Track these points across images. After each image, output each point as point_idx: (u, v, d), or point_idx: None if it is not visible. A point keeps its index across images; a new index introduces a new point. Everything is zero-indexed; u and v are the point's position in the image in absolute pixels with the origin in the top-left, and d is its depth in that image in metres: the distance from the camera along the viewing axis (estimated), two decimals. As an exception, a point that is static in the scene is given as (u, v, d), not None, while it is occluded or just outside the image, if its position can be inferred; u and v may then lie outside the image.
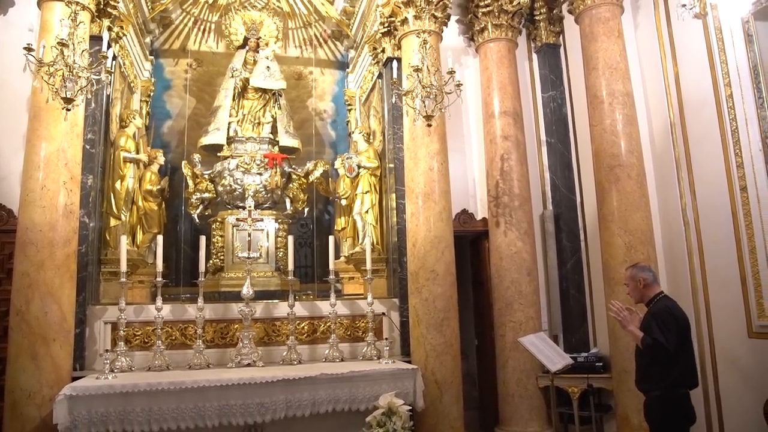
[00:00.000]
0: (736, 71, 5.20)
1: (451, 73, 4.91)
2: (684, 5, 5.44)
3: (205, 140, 7.06)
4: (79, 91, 4.11)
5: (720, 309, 5.41)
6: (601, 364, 6.05)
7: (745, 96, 5.11)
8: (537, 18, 7.21)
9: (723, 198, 5.31)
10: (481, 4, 6.70)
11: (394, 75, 5.19)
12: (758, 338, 4.99)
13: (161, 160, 6.80)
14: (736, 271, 5.18)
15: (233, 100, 7.10)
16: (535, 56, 7.43)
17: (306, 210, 7.26)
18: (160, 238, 5.79)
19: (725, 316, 5.34)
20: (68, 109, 4.14)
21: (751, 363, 5.08)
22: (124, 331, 5.30)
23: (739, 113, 5.17)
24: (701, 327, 5.57)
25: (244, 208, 6.13)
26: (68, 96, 4.04)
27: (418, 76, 4.88)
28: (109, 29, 5.76)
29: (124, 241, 5.53)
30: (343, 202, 6.95)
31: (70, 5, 4.47)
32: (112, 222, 6.03)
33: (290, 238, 6.11)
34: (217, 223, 6.77)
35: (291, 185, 7.13)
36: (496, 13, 6.71)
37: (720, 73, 5.36)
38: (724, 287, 5.32)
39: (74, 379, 4.88)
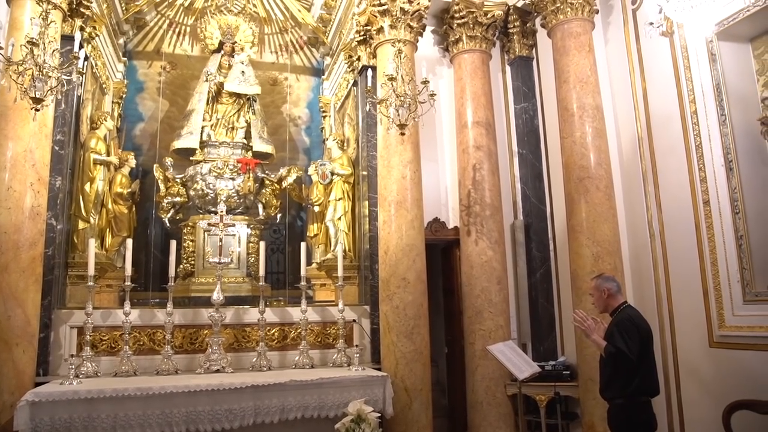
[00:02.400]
0: (700, 88, 5.37)
1: (425, 82, 4.96)
2: (651, 23, 5.60)
3: (178, 144, 7.01)
4: (49, 92, 4.04)
5: (683, 319, 5.55)
6: (568, 372, 6.13)
7: (709, 113, 5.28)
8: (511, 31, 7.32)
9: (687, 211, 5.46)
10: (456, 15, 6.80)
11: (369, 83, 5.21)
12: (719, 348, 5.14)
13: (132, 162, 6.74)
14: (699, 282, 5.33)
15: (207, 104, 7.08)
16: (508, 68, 7.53)
17: (278, 216, 7.27)
18: (129, 242, 5.72)
19: (688, 326, 5.47)
20: (37, 110, 4.07)
21: (711, 372, 5.22)
22: (90, 336, 5.20)
23: (702, 129, 5.34)
24: (665, 336, 5.70)
25: (216, 212, 6.09)
26: (37, 96, 3.96)
27: (393, 85, 4.92)
28: (82, 29, 5.72)
29: (93, 244, 5.45)
30: (316, 209, 6.96)
31: (41, 4, 4.35)
32: (81, 225, 5.94)
33: (262, 244, 6.11)
34: (189, 228, 6.71)
35: (264, 191, 7.11)
36: (471, 25, 6.81)
37: (685, 90, 5.52)
38: (687, 298, 5.47)
39: (37, 384, 4.78)
